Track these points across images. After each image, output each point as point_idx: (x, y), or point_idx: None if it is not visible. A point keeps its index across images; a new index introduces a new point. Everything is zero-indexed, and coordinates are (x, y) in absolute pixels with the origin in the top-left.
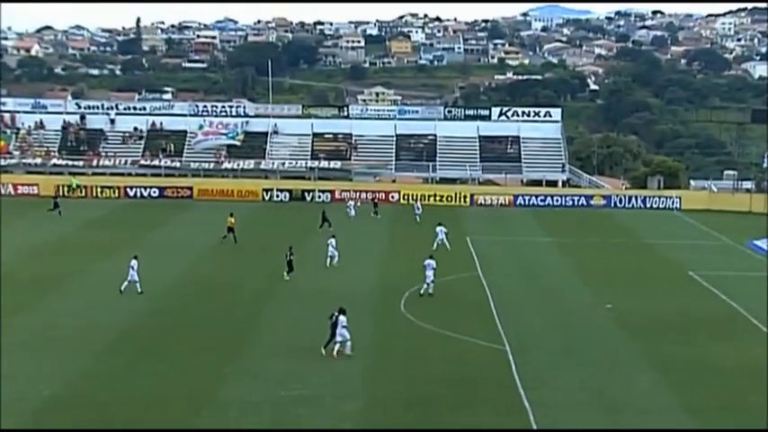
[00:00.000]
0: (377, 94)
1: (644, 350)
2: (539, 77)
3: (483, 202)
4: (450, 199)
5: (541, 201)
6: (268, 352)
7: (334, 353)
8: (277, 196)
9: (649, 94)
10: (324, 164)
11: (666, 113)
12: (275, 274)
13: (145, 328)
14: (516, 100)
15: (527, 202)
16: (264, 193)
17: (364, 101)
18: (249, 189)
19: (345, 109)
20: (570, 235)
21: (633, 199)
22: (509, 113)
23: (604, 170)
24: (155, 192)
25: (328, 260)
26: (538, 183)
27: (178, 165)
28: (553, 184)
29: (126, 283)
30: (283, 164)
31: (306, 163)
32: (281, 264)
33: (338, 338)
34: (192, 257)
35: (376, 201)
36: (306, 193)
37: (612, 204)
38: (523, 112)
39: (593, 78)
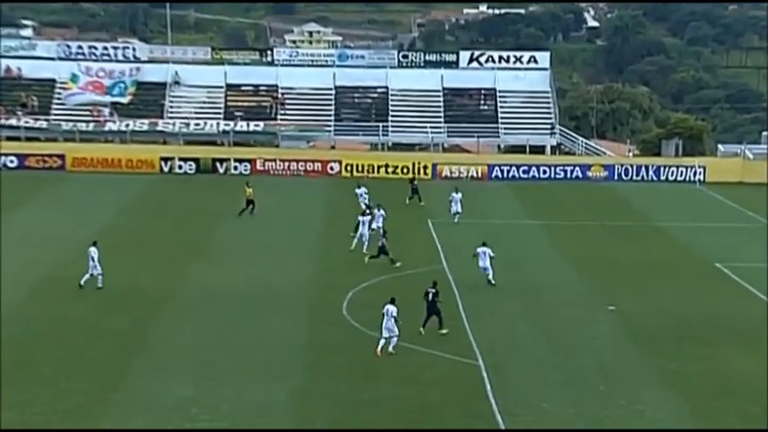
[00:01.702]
0: (310, 34)
1: (656, 367)
2: (521, 11)
3: (449, 174)
4: (406, 171)
5: (524, 173)
6: (166, 372)
7: (378, 350)
8: (180, 167)
9: (665, 32)
10: (242, 125)
11: (687, 57)
12: (177, 271)
13: None
14: (492, 41)
15: (506, 175)
16: (163, 164)
17: (294, 42)
18: (142, 158)
19: (269, 53)
20: (561, 216)
21: (643, 169)
22: (482, 59)
23: (606, 132)
24: (12, 161)
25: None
26: (520, 149)
27: (44, 125)
28: (539, 150)
29: (87, 276)
30: (187, 125)
31: (217, 124)
32: (183, 257)
33: (384, 333)
34: (63, 250)
35: (414, 183)
36: (218, 164)
37: (616, 176)
38: (501, 58)
39: (591, 12)
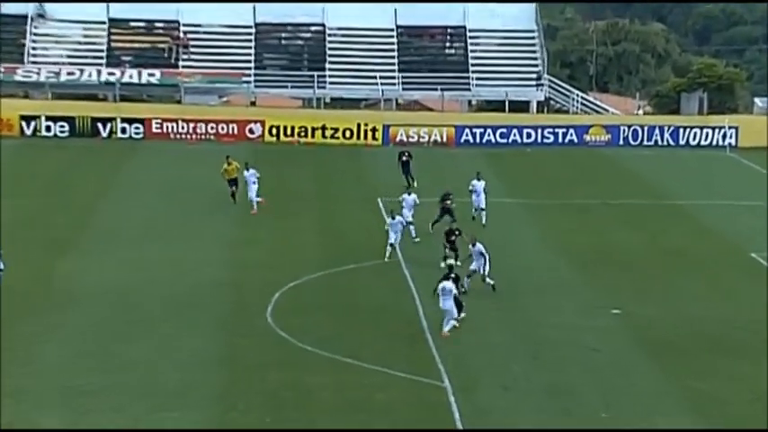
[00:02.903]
0: None
1: (678, 388)
2: None
3: (404, 138)
4: (349, 134)
5: (502, 136)
6: (29, 400)
7: (446, 331)
8: (47, 129)
9: None
10: (131, 75)
11: None
12: (40, 266)
13: None
14: None
15: (478, 139)
16: (24, 124)
17: None
18: None
19: None
20: (551, 193)
21: (657, 131)
22: None
23: (609, 84)
24: None
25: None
26: (497, 107)
27: None
28: (522, 108)
29: None
30: (57, 73)
31: (98, 72)
32: (50, 249)
33: (447, 316)
34: None
35: (405, 157)
36: (99, 125)
37: (622, 141)
38: None
39: None
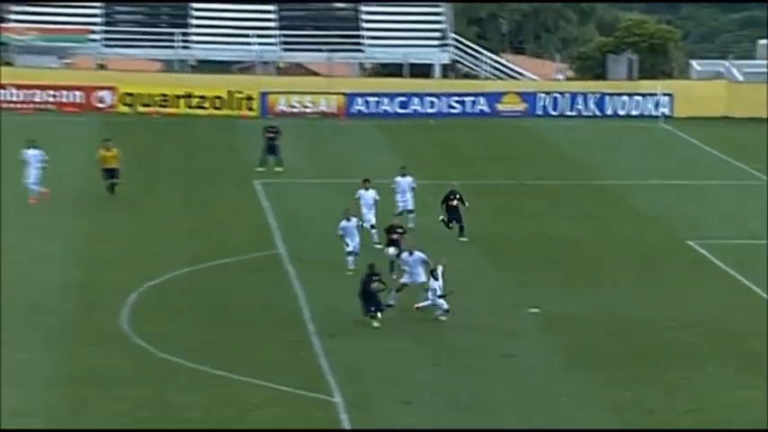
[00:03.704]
0: None
1: (604, 399)
2: None
3: (286, 108)
4: (219, 104)
5: (401, 106)
6: None
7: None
8: None
9: None
10: None
11: None
12: None
13: None
14: None
15: (373, 109)
16: None
17: None
18: None
19: None
20: (458, 171)
21: (580, 99)
22: None
23: (525, 44)
24: None
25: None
26: (394, 71)
27: None
28: (424, 72)
29: None
30: None
31: None
32: None
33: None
34: None
35: (271, 132)
36: None
37: (540, 110)
38: None
39: None
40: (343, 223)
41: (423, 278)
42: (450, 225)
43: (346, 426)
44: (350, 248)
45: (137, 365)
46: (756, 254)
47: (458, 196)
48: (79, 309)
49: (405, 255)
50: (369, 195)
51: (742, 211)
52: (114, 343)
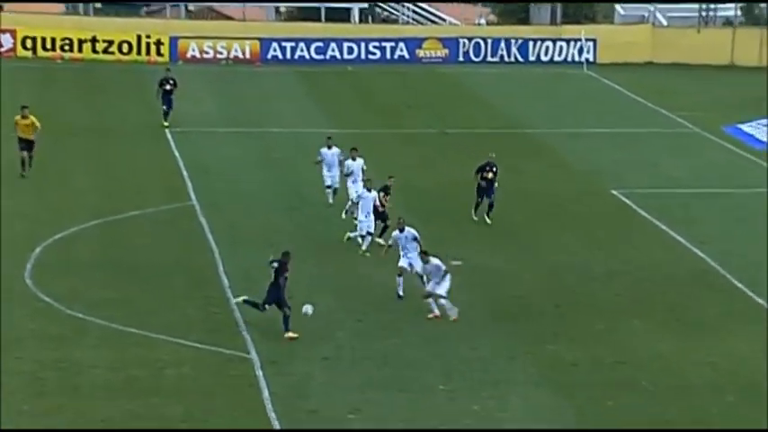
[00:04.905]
0: None
1: (522, 351)
2: None
3: (197, 54)
4: (127, 48)
5: (319, 51)
6: None
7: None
8: None
9: None
10: None
11: None
12: None
13: None
14: None
15: (289, 55)
16: None
17: None
18: None
19: None
20: (378, 120)
21: (502, 45)
22: None
23: None
24: None
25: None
26: (311, 15)
27: None
28: (342, 17)
29: None
30: None
31: None
32: None
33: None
34: None
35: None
36: None
37: (462, 57)
38: None
39: None
40: (359, 192)
41: (418, 263)
42: (479, 200)
43: (262, 384)
44: (365, 230)
45: (41, 323)
46: (680, 202)
47: (494, 169)
48: None
49: (395, 232)
50: (356, 166)
51: (665, 159)
52: (17, 300)
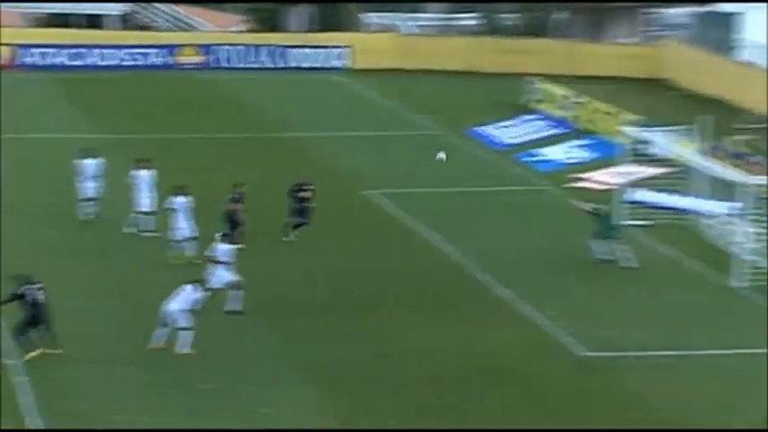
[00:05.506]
0: None
1: (288, 349)
2: None
3: None
4: None
5: (73, 57)
6: None
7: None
8: None
9: None
10: None
11: None
12: None
13: None
14: None
15: (45, 60)
16: None
17: None
18: None
19: None
20: (140, 124)
21: (259, 51)
22: None
23: None
24: None
25: None
26: (59, 22)
27: None
28: (95, 23)
29: None
30: None
31: None
32: None
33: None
34: None
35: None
36: None
37: (220, 62)
38: None
39: None
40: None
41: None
42: (296, 220)
43: (26, 392)
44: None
45: None
46: (430, 201)
47: (311, 188)
48: None
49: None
50: (183, 203)
51: (414, 160)
52: None
